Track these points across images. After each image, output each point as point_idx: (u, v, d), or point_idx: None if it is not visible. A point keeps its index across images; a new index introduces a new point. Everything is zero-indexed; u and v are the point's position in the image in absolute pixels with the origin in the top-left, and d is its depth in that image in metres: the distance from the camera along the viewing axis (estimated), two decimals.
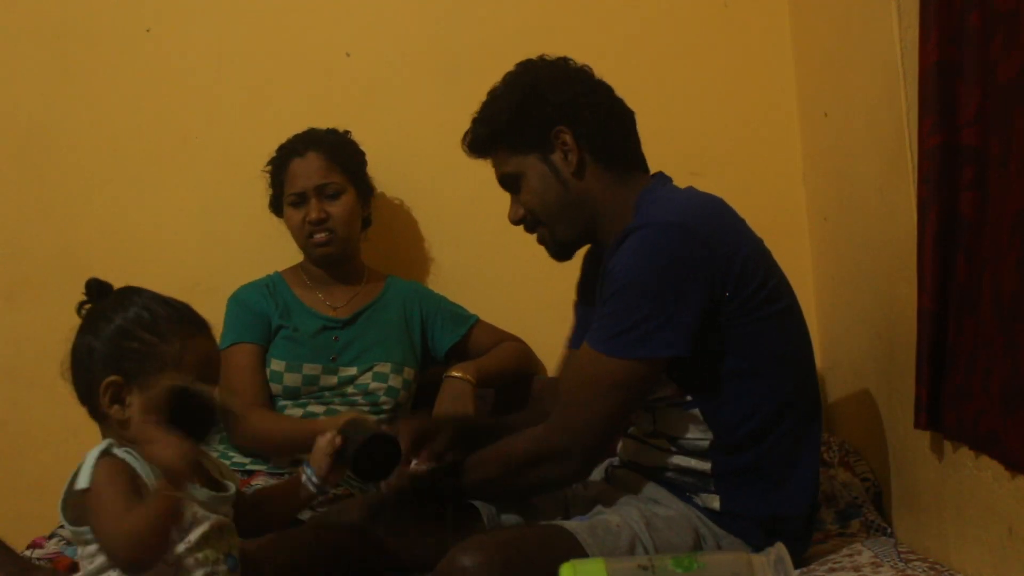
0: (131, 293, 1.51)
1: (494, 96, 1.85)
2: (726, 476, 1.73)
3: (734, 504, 1.73)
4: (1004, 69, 1.50)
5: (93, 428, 2.55)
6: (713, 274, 1.65)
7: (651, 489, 1.79)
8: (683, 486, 1.77)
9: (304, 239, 2.42)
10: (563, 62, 1.85)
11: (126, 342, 1.45)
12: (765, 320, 1.71)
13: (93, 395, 1.46)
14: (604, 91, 1.85)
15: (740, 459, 1.73)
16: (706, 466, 1.74)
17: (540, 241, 1.89)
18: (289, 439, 2.19)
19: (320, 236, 2.39)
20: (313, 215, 2.38)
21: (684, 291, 1.63)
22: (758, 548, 1.67)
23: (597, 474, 1.93)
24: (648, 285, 1.64)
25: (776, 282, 1.76)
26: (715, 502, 1.73)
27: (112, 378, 1.44)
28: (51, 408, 2.61)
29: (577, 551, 1.60)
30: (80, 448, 2.54)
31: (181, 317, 1.51)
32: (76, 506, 1.41)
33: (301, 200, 2.40)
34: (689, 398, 1.73)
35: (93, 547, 1.42)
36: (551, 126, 1.79)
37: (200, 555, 1.43)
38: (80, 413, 2.58)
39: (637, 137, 1.88)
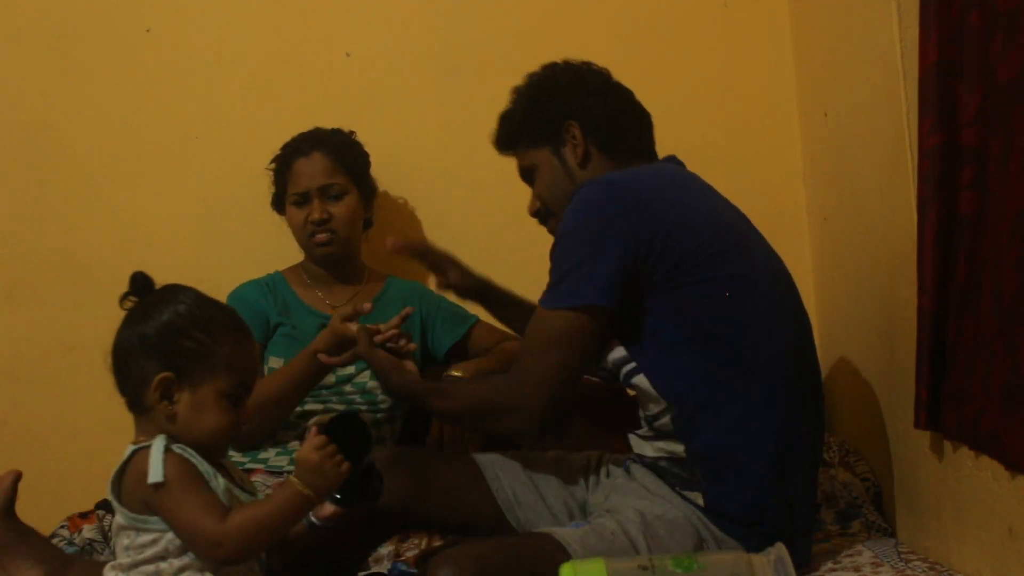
0: (180, 291, 1.53)
1: (516, 94, 1.98)
2: (702, 462, 1.71)
3: (716, 501, 1.71)
4: (1004, 69, 1.50)
5: (94, 429, 2.57)
6: (638, 227, 1.68)
7: (654, 483, 1.78)
8: (674, 480, 1.75)
9: (306, 238, 2.42)
10: (585, 65, 1.96)
11: (181, 339, 1.47)
12: (707, 284, 1.70)
13: (140, 388, 1.47)
14: (620, 92, 1.95)
15: (706, 438, 1.70)
16: (679, 448, 1.73)
17: (551, 230, 1.95)
18: (280, 389, 2.17)
19: (322, 236, 2.40)
20: (316, 215, 2.38)
21: (604, 241, 1.69)
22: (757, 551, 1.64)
23: (617, 467, 1.93)
24: (574, 237, 1.72)
25: (725, 248, 1.73)
26: (699, 499, 1.72)
27: (166, 374, 1.46)
28: (51, 408, 2.63)
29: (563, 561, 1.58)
30: (80, 448, 2.58)
31: (232, 320, 1.54)
32: (140, 498, 1.44)
33: (304, 200, 2.40)
34: (634, 365, 1.74)
35: (148, 537, 1.44)
36: (562, 120, 1.89)
37: None
38: (80, 413, 2.60)
39: (651, 137, 1.96)
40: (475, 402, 1.83)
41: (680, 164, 1.92)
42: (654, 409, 1.75)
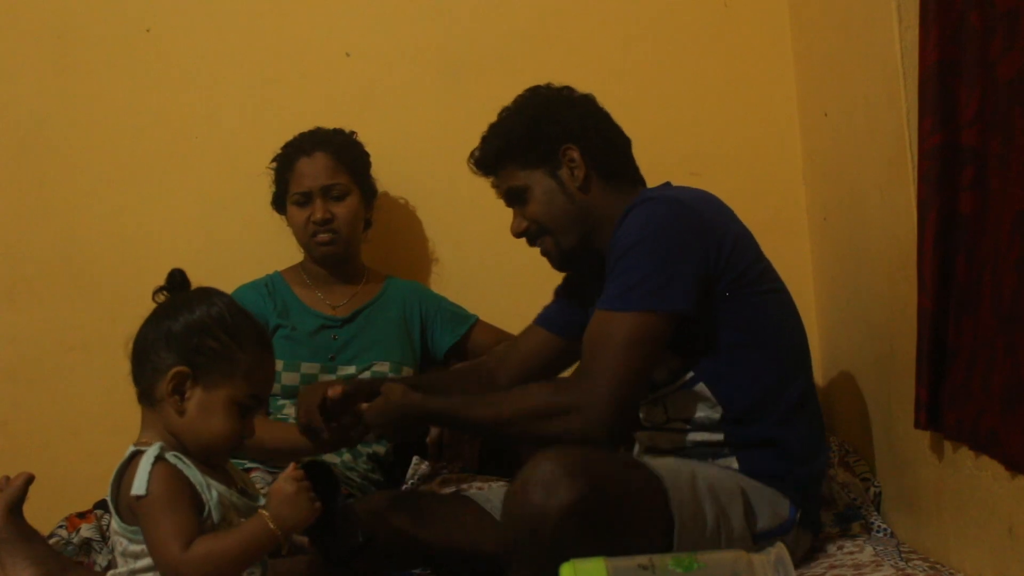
0: (215, 293, 1.53)
1: (506, 115, 1.97)
2: (739, 446, 1.81)
3: (750, 465, 1.80)
4: (1004, 69, 1.50)
5: (94, 429, 2.58)
6: (709, 244, 1.77)
7: (683, 457, 1.84)
8: (703, 456, 1.83)
9: (307, 238, 2.42)
10: (564, 89, 1.98)
11: (206, 338, 1.47)
12: (758, 296, 1.83)
13: (154, 378, 1.47)
14: (605, 116, 1.98)
15: (751, 430, 1.80)
16: (719, 436, 1.82)
17: (543, 252, 1.98)
18: (279, 445, 2.18)
19: (324, 236, 2.39)
20: (318, 215, 2.38)
21: (685, 254, 1.75)
22: (794, 498, 1.79)
23: None
24: (653, 245, 1.75)
25: (765, 265, 1.88)
26: (734, 463, 1.81)
27: (182, 368, 1.45)
28: (51, 408, 2.63)
29: (647, 472, 1.68)
30: (80, 448, 2.58)
31: (259, 331, 1.53)
32: (127, 504, 1.43)
33: (306, 200, 2.40)
34: (692, 375, 1.81)
35: (137, 547, 1.44)
36: (560, 144, 1.91)
37: None
38: (80, 413, 2.60)
39: (634, 160, 2.00)
40: (536, 405, 1.76)
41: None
42: (703, 411, 1.82)
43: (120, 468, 1.45)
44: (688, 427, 1.84)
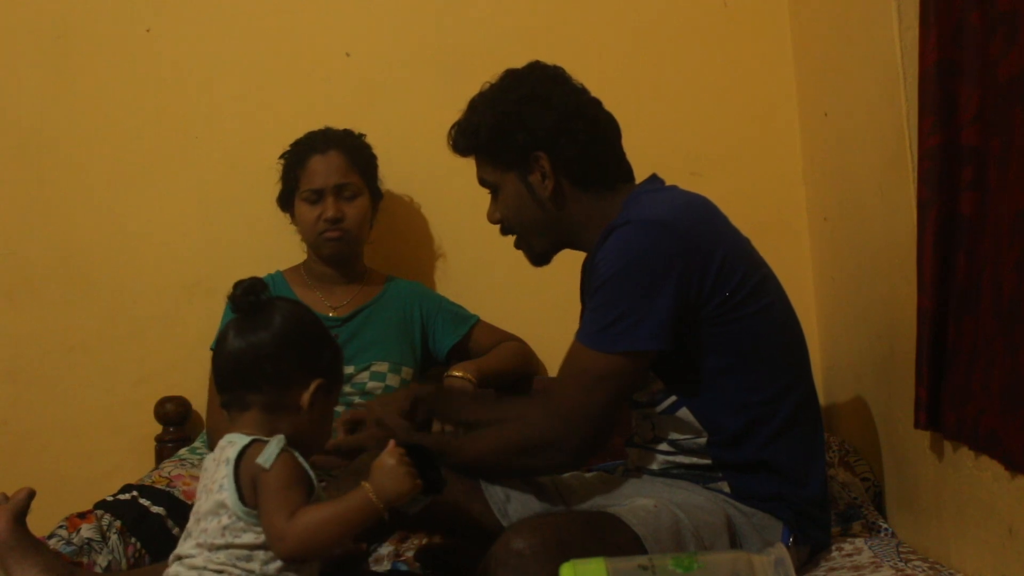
0: (303, 307, 1.61)
1: (476, 108, 1.87)
2: (729, 467, 1.77)
3: (743, 488, 1.77)
4: (1004, 69, 1.50)
5: (94, 429, 2.57)
6: (690, 268, 1.69)
7: (671, 481, 1.81)
8: (693, 479, 1.80)
9: (316, 236, 2.41)
10: (550, 79, 1.85)
11: (324, 350, 1.54)
12: (748, 318, 1.74)
13: (283, 389, 1.50)
14: (589, 112, 1.85)
15: (740, 453, 1.76)
16: (707, 461, 1.78)
17: (516, 246, 1.93)
18: None
19: (333, 234, 2.40)
20: (330, 213, 2.38)
21: (662, 285, 1.67)
22: (788, 521, 1.75)
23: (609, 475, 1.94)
24: (628, 280, 1.68)
25: (759, 279, 1.78)
26: (725, 487, 1.78)
27: (323, 381, 1.51)
28: (51, 408, 2.63)
29: (626, 532, 1.63)
30: (80, 448, 2.58)
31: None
32: (252, 476, 1.45)
33: (318, 197, 2.40)
34: (675, 399, 1.77)
35: (252, 535, 1.44)
36: (529, 150, 1.81)
37: None
38: (80, 413, 2.60)
39: (621, 152, 1.89)
40: (516, 440, 1.75)
41: (659, 181, 1.88)
42: (690, 436, 1.78)
43: (238, 455, 1.46)
44: (674, 450, 1.81)
